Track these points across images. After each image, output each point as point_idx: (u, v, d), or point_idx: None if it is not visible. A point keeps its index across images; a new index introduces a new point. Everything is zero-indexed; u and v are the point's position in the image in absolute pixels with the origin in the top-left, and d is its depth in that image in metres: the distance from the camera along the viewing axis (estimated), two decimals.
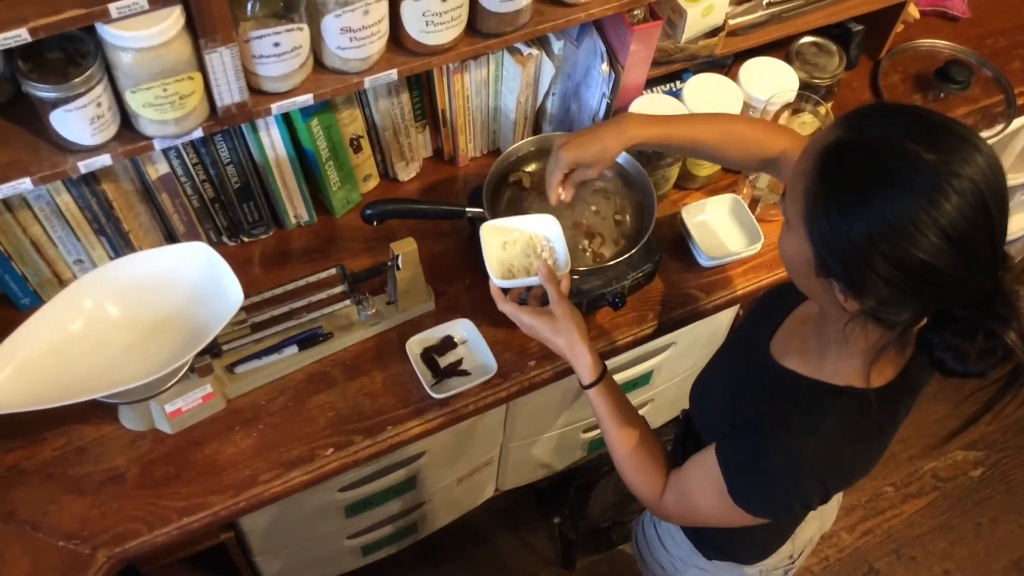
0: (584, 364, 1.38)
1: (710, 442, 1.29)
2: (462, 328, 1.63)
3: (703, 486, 1.26)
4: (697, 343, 2.05)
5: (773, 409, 1.19)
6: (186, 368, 1.44)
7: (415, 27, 1.43)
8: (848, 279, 1.03)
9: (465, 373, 1.59)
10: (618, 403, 1.39)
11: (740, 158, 1.45)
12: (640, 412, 2.17)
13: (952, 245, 0.96)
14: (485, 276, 1.69)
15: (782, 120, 1.72)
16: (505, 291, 1.45)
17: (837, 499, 1.65)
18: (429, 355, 1.60)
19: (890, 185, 0.96)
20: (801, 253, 1.07)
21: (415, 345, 1.60)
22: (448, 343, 1.62)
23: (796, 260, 1.09)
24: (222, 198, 1.63)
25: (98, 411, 1.49)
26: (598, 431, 2.15)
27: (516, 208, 1.65)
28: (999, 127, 2.03)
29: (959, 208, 0.95)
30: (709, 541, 1.54)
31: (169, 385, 1.43)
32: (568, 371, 1.65)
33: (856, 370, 1.16)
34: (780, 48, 1.88)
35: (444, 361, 1.60)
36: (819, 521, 1.59)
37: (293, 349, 1.57)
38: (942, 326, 1.05)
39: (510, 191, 1.67)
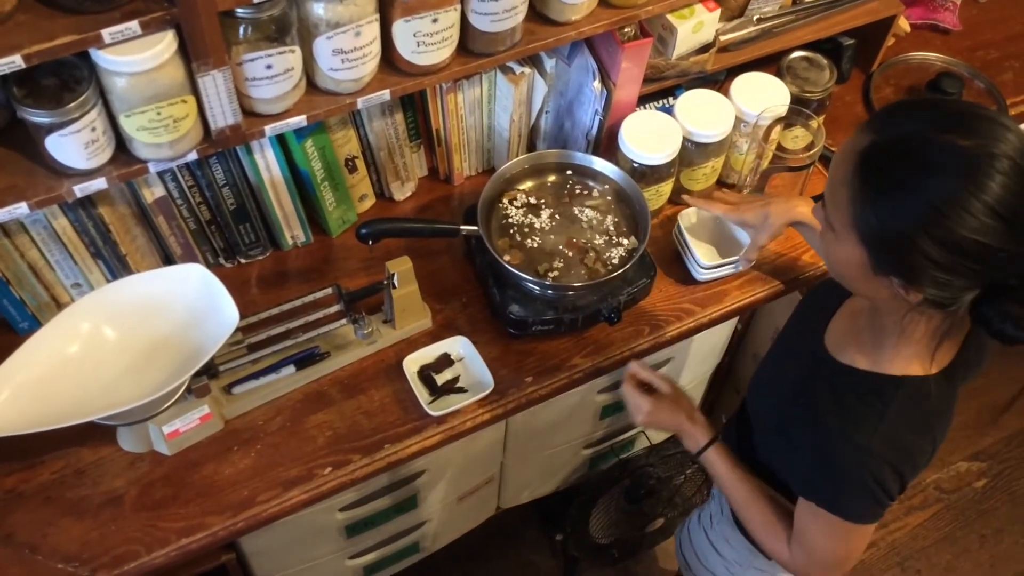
0: (699, 433, 1.46)
1: (767, 440, 1.39)
2: (459, 345, 1.63)
3: (816, 528, 1.29)
4: (695, 357, 2.05)
5: (837, 409, 1.22)
6: (183, 389, 1.44)
7: (407, 48, 1.45)
8: (907, 272, 1.06)
9: (462, 390, 1.59)
10: (732, 461, 1.45)
11: None
12: (641, 428, 2.20)
13: (1003, 222, 0.99)
14: (481, 294, 1.71)
15: (774, 134, 1.73)
16: None
17: None
18: (426, 373, 1.60)
19: (934, 175, 1.00)
20: (854, 258, 1.10)
21: (412, 363, 1.60)
22: (445, 361, 1.62)
23: (849, 266, 1.12)
24: (218, 220, 1.64)
25: (96, 433, 1.49)
26: (599, 447, 2.15)
27: (511, 226, 1.66)
28: None
29: (1003, 185, 0.98)
30: None
31: (166, 406, 1.43)
32: (567, 386, 1.65)
33: (913, 358, 1.19)
34: (771, 63, 1.89)
35: (441, 378, 1.61)
36: None
37: (290, 369, 1.58)
38: (997, 298, 1.08)
39: (505, 209, 1.68)
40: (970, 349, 1.24)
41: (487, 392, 1.58)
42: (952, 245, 1.00)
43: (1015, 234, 1.00)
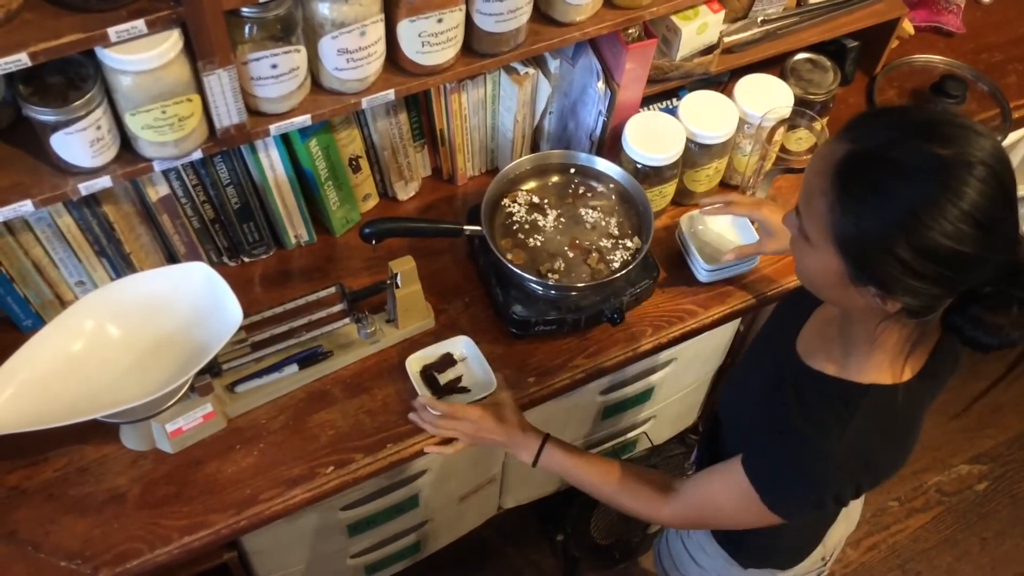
0: (531, 439, 1.48)
1: (736, 442, 1.34)
2: (461, 345, 1.63)
3: (728, 493, 1.28)
4: (698, 359, 2.05)
5: (803, 410, 1.22)
6: (186, 388, 1.44)
7: (412, 48, 1.45)
8: (884, 281, 1.05)
9: (465, 390, 1.59)
10: (572, 449, 1.47)
11: None
12: (642, 429, 2.20)
13: (980, 228, 0.99)
14: (484, 293, 1.71)
15: (777, 136, 1.73)
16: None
17: (860, 501, 1.65)
18: (429, 372, 1.60)
19: (913, 181, 1.00)
20: (831, 267, 1.09)
21: (414, 362, 1.61)
22: (447, 360, 1.62)
23: (825, 275, 1.11)
24: (222, 219, 1.64)
25: (99, 431, 1.50)
26: (601, 448, 2.15)
27: (514, 225, 1.66)
28: None
29: (980, 192, 0.99)
30: (746, 550, 1.54)
31: (170, 405, 1.43)
32: (569, 387, 1.65)
33: (884, 366, 1.19)
34: (775, 65, 1.90)
35: (444, 378, 1.61)
36: (846, 523, 1.60)
37: (293, 368, 1.58)
38: (968, 307, 1.08)
39: (508, 209, 1.68)
40: (940, 356, 1.23)
41: (489, 392, 1.58)
42: (929, 252, 1.00)
43: (990, 241, 1.01)
